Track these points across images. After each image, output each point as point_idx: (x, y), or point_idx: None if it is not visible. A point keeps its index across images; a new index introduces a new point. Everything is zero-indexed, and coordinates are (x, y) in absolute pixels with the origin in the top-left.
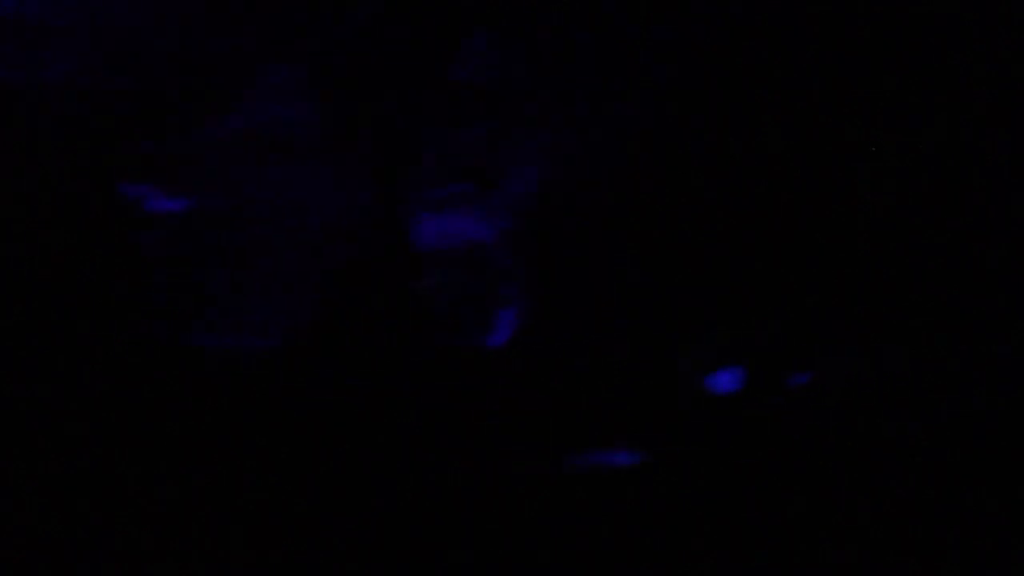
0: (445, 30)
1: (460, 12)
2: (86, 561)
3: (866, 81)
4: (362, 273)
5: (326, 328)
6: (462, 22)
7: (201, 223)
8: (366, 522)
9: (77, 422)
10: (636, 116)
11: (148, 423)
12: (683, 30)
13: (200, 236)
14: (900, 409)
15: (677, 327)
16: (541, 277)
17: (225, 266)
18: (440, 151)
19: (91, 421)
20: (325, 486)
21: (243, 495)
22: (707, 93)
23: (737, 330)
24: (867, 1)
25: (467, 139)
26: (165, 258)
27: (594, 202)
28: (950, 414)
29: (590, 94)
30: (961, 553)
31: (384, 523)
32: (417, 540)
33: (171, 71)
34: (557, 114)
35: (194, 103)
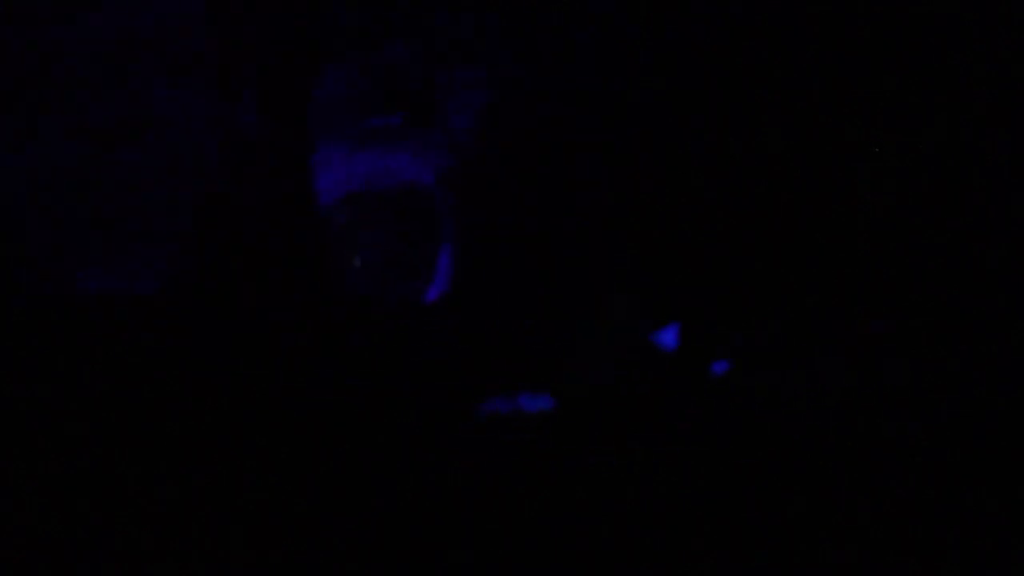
0: None
1: None
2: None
3: (864, 81)
4: (251, 214)
5: (211, 274)
6: None
7: (63, 152)
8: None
9: None
10: (588, 42)
11: (35, 374)
12: None
13: (63, 171)
14: (895, 407)
15: (619, 282)
16: (480, 223)
17: (94, 203)
18: (357, 73)
19: None
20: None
21: (123, 439)
22: (653, 26)
23: (681, 288)
24: (867, 1)
25: (388, 59)
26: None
27: (539, 139)
28: (950, 414)
29: (538, 14)
30: (960, 552)
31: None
32: (337, 490)
33: None
34: (499, 34)
35: None
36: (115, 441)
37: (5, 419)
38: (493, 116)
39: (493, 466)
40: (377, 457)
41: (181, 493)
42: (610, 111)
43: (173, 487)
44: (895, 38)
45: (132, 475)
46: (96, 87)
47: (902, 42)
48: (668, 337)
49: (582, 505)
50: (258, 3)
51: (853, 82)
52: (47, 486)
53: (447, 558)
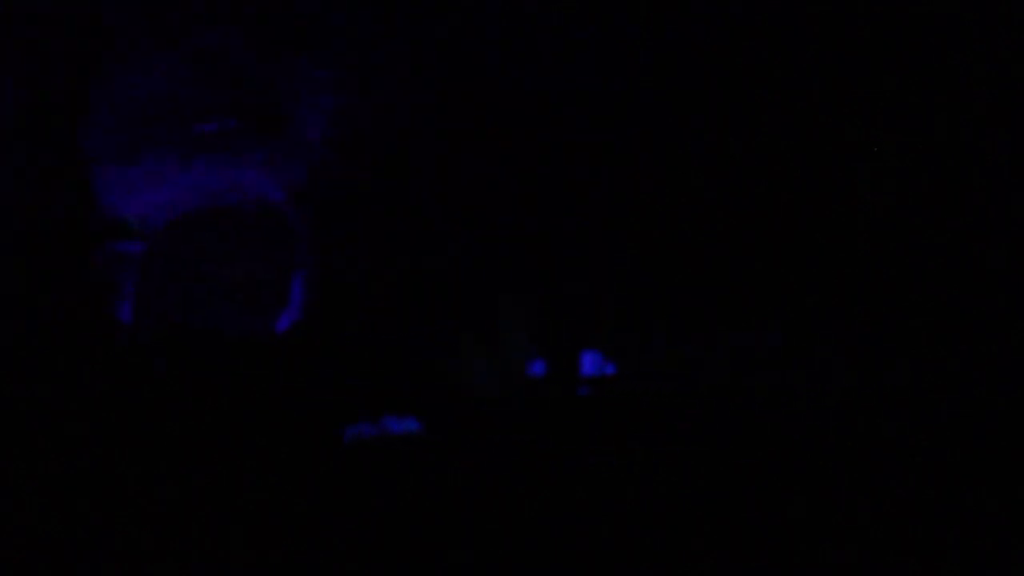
0: None
1: None
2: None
3: (857, 81)
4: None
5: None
6: None
7: None
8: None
9: None
10: (452, 41)
11: None
12: None
13: None
14: (891, 407)
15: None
16: (337, 242)
17: None
18: (171, 67)
19: None
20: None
21: None
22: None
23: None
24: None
25: (206, 49)
26: None
27: (405, 145)
28: (950, 414)
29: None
30: (959, 552)
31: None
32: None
33: None
34: (351, 19)
35: None
36: None
37: None
38: (348, 121)
39: (358, 488)
40: (243, 479)
41: None
42: (491, 109)
43: None
44: (894, 38)
45: None
46: None
47: (902, 42)
48: (537, 366)
49: (449, 520)
50: None
51: (826, 82)
52: None
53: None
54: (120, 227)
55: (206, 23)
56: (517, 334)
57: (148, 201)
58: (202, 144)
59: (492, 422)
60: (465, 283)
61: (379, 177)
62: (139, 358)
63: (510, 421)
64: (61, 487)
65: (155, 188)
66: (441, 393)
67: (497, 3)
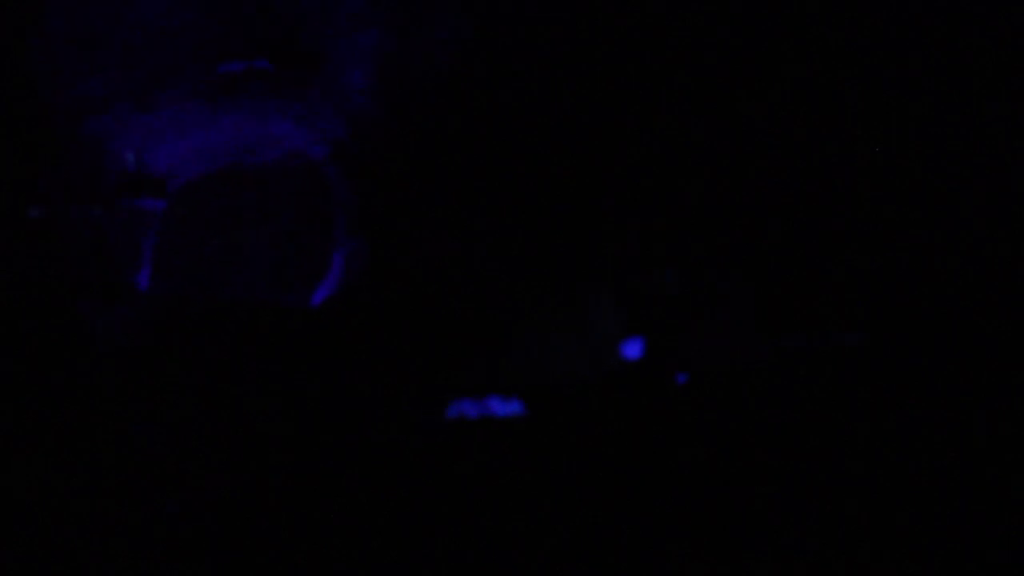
0: None
1: None
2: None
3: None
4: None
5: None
6: None
7: None
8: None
9: None
10: None
11: None
12: None
13: None
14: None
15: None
16: (378, 207)
17: None
18: None
19: None
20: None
21: None
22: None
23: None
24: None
25: None
26: None
27: (459, 98)
28: (950, 413)
29: None
30: (958, 551)
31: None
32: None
33: None
34: None
35: None
36: None
37: None
38: (394, 66)
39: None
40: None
41: None
42: (577, 57)
43: None
44: (894, 38)
45: None
46: None
47: (901, 43)
48: (632, 348)
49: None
50: None
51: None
52: None
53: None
54: (138, 180)
55: None
56: (605, 315)
57: (170, 152)
58: (229, 88)
59: (584, 407)
60: (539, 259)
61: (437, 132)
62: (158, 329)
63: (603, 406)
64: (75, 465)
65: (177, 138)
66: (528, 376)
67: None
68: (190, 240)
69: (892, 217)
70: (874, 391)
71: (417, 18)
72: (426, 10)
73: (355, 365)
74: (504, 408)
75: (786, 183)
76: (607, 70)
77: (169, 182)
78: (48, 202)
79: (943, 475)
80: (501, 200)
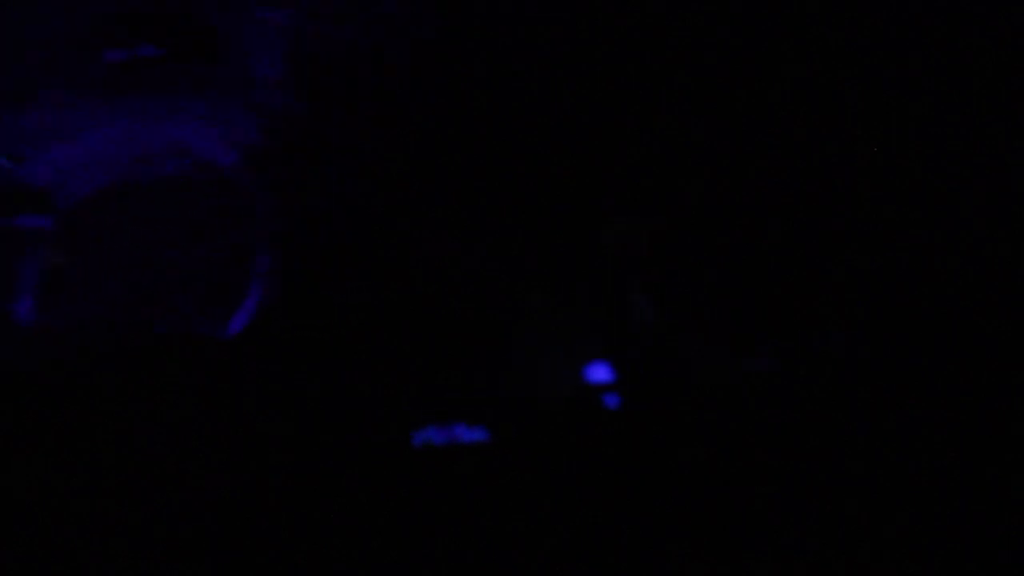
0: None
1: None
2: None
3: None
4: None
5: None
6: None
7: None
8: None
9: None
10: None
11: None
12: None
13: None
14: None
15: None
16: (300, 223)
17: None
18: None
19: None
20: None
21: None
22: None
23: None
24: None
25: None
26: None
27: (394, 91)
28: (950, 413)
29: None
30: (956, 551)
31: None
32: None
33: None
34: None
35: None
36: None
37: None
38: (315, 54)
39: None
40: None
41: None
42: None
43: None
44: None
45: None
46: None
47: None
48: (598, 372)
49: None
50: None
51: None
52: None
53: None
54: (19, 195)
55: None
56: (558, 335)
57: (55, 161)
58: (119, 82)
59: (551, 431)
60: (483, 276)
61: (369, 132)
62: (43, 367)
63: (571, 430)
64: None
65: (65, 144)
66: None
67: None
68: (86, 264)
69: (891, 217)
70: (874, 391)
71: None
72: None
73: (271, 396)
74: (470, 435)
75: (786, 183)
76: (565, 57)
77: (56, 197)
78: None
79: (943, 475)
80: (444, 206)
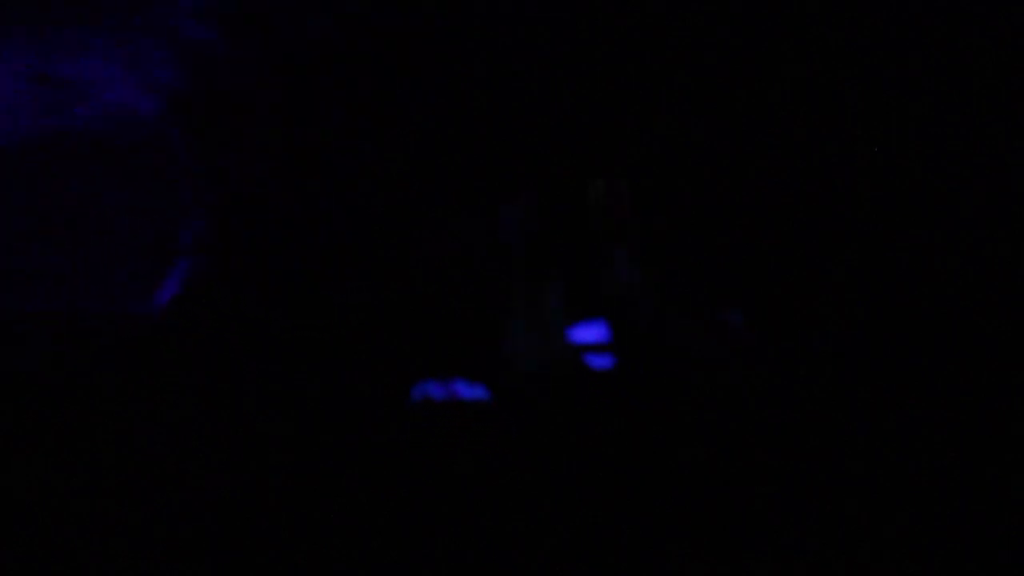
0: None
1: None
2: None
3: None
4: None
5: None
6: None
7: None
8: None
9: None
10: None
11: None
12: None
13: None
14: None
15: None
16: (228, 176)
17: None
18: None
19: None
20: None
21: None
22: None
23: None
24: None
25: None
26: None
27: (341, 32)
28: (950, 413)
29: None
30: (955, 551)
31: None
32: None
33: None
34: None
35: None
36: None
37: None
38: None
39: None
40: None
41: None
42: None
43: None
44: (892, 38)
45: None
46: None
47: (899, 43)
48: (584, 332)
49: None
50: None
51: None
52: None
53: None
54: None
55: None
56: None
57: None
58: (21, 11)
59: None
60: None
61: (313, 74)
62: None
63: (556, 393)
64: None
65: None
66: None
67: None
68: None
69: (891, 217)
70: (874, 391)
71: None
72: None
73: (208, 373)
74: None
75: (785, 183)
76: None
77: None
78: None
79: (943, 475)
80: (393, 163)
